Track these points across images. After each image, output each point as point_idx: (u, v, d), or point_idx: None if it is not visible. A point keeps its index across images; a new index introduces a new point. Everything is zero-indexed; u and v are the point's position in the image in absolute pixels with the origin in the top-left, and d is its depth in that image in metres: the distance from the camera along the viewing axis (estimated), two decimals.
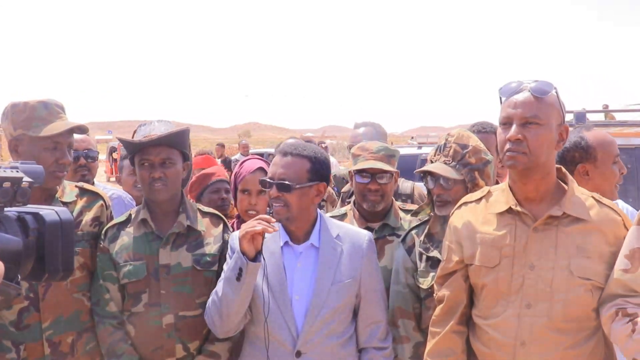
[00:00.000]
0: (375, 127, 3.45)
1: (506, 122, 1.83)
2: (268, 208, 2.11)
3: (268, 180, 2.11)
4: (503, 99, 1.87)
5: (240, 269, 1.96)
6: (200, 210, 2.48)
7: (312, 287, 2.08)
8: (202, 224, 2.43)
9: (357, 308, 2.18)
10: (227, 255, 2.16)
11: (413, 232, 2.42)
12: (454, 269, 2.02)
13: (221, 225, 2.48)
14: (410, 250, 2.38)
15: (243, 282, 1.97)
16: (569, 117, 4.20)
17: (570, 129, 1.94)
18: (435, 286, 2.12)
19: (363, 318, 2.18)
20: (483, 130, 3.24)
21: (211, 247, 2.38)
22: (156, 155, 2.30)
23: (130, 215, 2.41)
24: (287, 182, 2.07)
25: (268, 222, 1.95)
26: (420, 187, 3.26)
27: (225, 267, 2.11)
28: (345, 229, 2.24)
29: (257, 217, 1.99)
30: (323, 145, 12.92)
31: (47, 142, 2.16)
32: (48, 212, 1.14)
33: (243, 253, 1.96)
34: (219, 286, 2.07)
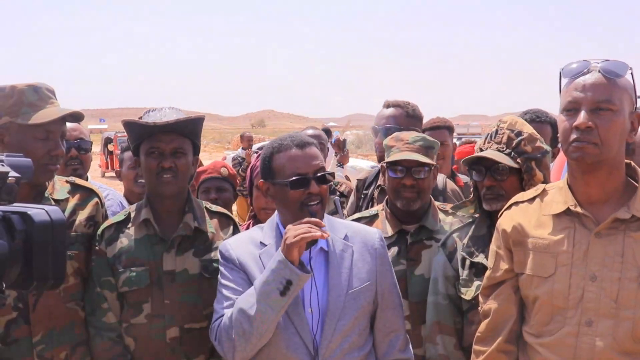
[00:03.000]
0: (408, 110, 3.26)
1: (572, 108, 1.78)
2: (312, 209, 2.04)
3: (305, 176, 2.04)
4: (566, 81, 1.83)
5: (289, 282, 1.90)
6: (207, 210, 2.48)
7: (325, 297, 2.06)
8: (211, 225, 2.42)
9: (373, 316, 2.17)
10: (222, 266, 2.12)
11: (455, 234, 2.39)
12: (502, 278, 1.99)
13: (231, 227, 2.48)
14: (451, 256, 2.36)
15: (289, 297, 1.92)
16: None
17: None
18: (480, 298, 2.10)
19: (381, 327, 2.17)
20: (537, 120, 3.19)
21: None
22: (168, 143, 2.29)
23: (129, 214, 2.41)
24: (329, 172, 2.10)
25: (318, 226, 1.91)
26: (452, 183, 3.22)
27: (222, 279, 2.08)
28: (352, 228, 2.22)
29: (305, 220, 1.95)
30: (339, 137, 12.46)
31: (38, 131, 2.16)
32: (37, 211, 1.13)
33: (292, 262, 1.90)
34: (244, 302, 1.96)
